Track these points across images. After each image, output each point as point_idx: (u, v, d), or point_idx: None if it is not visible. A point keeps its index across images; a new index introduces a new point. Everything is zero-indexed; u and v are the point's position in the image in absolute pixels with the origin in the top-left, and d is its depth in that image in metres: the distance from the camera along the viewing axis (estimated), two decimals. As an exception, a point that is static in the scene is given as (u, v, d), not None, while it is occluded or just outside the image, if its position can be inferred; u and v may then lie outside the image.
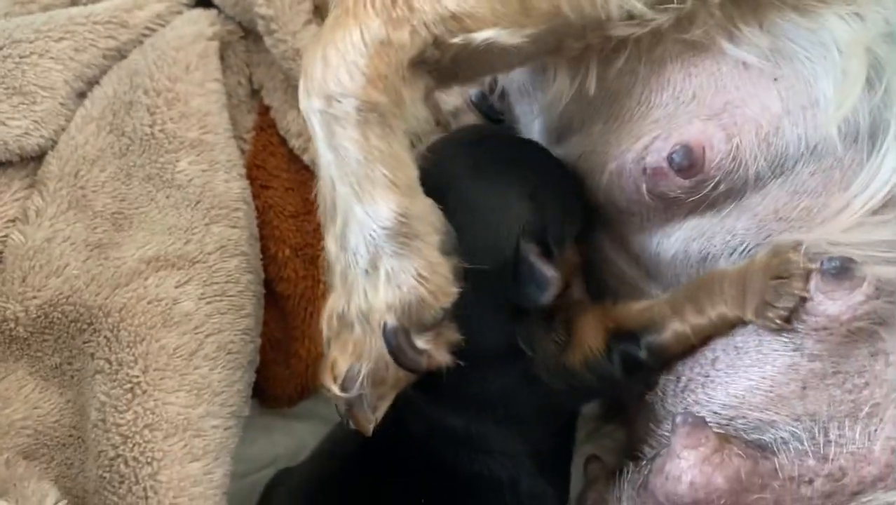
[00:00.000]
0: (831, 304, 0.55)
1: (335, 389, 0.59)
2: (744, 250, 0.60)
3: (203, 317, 0.68)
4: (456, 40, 0.56)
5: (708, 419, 0.58)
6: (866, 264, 0.55)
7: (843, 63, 0.57)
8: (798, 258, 0.56)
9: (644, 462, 0.61)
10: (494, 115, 0.75)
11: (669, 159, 0.59)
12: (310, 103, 0.57)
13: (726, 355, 0.59)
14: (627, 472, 0.63)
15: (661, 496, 0.57)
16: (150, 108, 0.74)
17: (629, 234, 0.66)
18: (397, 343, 0.57)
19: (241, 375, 0.70)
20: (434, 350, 0.57)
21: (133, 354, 0.65)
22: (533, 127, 0.74)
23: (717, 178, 0.59)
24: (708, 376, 0.60)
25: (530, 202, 0.62)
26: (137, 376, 0.65)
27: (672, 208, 0.62)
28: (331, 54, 0.56)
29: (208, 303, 0.69)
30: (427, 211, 0.57)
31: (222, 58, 0.80)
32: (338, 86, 0.56)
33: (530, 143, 0.70)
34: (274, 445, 0.80)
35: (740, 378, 0.58)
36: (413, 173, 0.57)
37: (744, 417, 0.58)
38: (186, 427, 0.65)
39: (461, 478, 0.65)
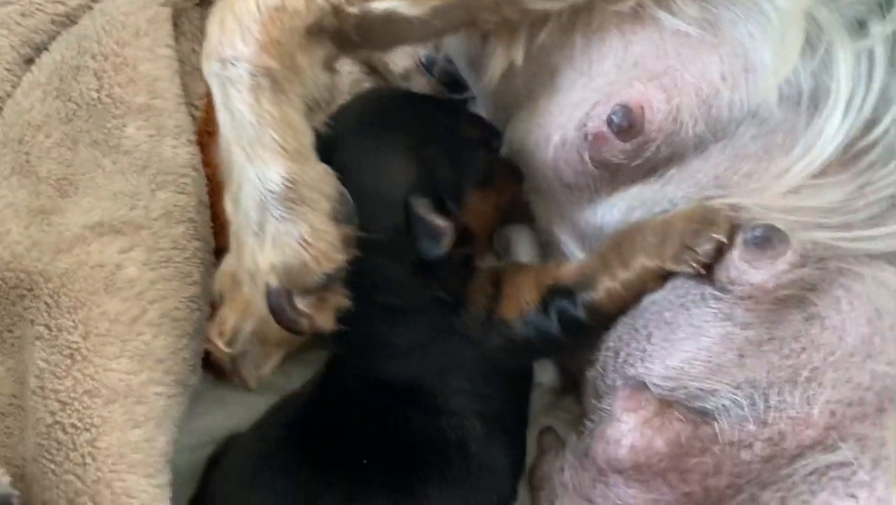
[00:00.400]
0: (755, 272, 0.55)
1: (220, 344, 0.61)
2: None
3: (147, 283, 0.67)
4: (353, 10, 0.56)
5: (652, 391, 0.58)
6: (796, 230, 0.55)
7: (782, 28, 0.57)
8: (723, 207, 0.56)
9: (587, 431, 0.60)
10: (447, 79, 0.74)
11: (609, 121, 0.58)
12: (208, 65, 0.58)
13: (659, 330, 0.59)
14: (572, 441, 0.62)
15: (601, 462, 0.57)
16: (97, 72, 0.73)
17: (577, 212, 0.66)
18: (279, 304, 0.57)
19: (188, 342, 0.68)
20: (316, 313, 0.58)
21: (73, 320, 0.64)
22: (482, 101, 0.74)
23: (657, 141, 0.58)
24: (645, 351, 0.59)
25: (415, 157, 0.62)
26: (77, 342, 0.64)
27: (617, 177, 0.62)
28: (228, 18, 0.57)
29: (153, 269, 0.67)
30: (318, 177, 0.57)
31: (176, 24, 0.79)
32: (232, 50, 0.56)
33: (419, 98, 0.71)
34: (228, 418, 0.78)
35: (676, 351, 0.58)
36: (306, 139, 0.57)
37: (685, 388, 0.57)
38: (127, 394, 0.64)
39: (409, 443, 0.64)
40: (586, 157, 0.61)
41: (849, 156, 0.56)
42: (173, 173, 0.71)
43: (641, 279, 0.60)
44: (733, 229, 0.55)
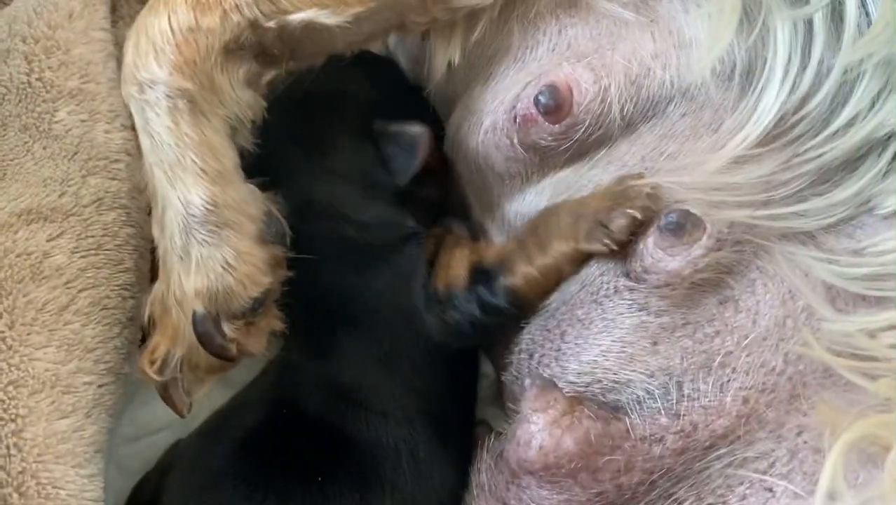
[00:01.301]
0: (671, 260, 0.54)
1: (151, 373, 0.60)
2: None
3: (76, 271, 0.66)
4: (271, 24, 0.56)
5: (565, 389, 0.57)
6: (713, 212, 0.54)
7: (718, 3, 0.56)
8: (640, 184, 0.56)
9: (504, 433, 0.60)
10: None
11: (536, 101, 0.58)
12: (126, 89, 0.58)
13: (572, 328, 0.59)
14: (489, 441, 0.62)
15: (513, 463, 0.56)
16: (27, 55, 0.71)
17: (507, 203, 0.65)
18: (206, 330, 0.58)
19: (120, 330, 0.67)
20: (245, 339, 0.58)
21: (-2, 309, 0.63)
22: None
23: (586, 123, 0.58)
24: (559, 350, 0.59)
25: (371, 95, 0.65)
26: (2, 331, 0.62)
27: (546, 162, 0.61)
28: (142, 41, 0.57)
29: (82, 257, 0.66)
30: (241, 199, 0.57)
31: (114, 8, 0.77)
32: (148, 73, 0.57)
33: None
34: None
35: (590, 346, 0.58)
36: (228, 161, 0.57)
37: (599, 382, 0.57)
38: (55, 383, 0.63)
39: (360, 452, 0.64)
40: (515, 141, 0.60)
41: (779, 130, 0.55)
42: (105, 158, 0.69)
43: (558, 263, 0.59)
44: (648, 207, 0.55)
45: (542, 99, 0.57)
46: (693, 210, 0.54)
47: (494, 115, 0.61)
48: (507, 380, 0.64)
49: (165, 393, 0.62)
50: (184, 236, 0.58)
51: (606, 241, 0.56)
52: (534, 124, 0.59)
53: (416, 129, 0.63)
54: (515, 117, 0.60)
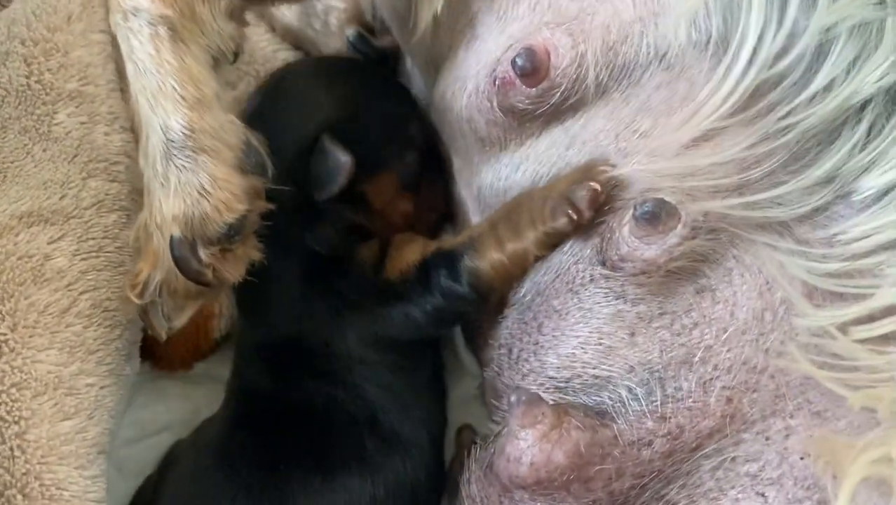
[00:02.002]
0: (647, 248, 0.54)
1: (131, 295, 0.61)
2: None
3: (77, 273, 0.66)
4: None
5: (545, 385, 0.58)
6: (687, 201, 0.54)
7: None
8: (605, 166, 0.56)
9: (490, 439, 0.59)
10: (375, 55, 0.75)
11: (513, 63, 0.58)
12: (113, 18, 0.59)
13: (549, 319, 0.59)
14: (476, 450, 0.61)
15: (504, 478, 0.56)
16: (26, 58, 0.71)
17: (486, 171, 0.65)
18: (182, 254, 0.58)
19: (120, 332, 0.68)
20: (221, 265, 0.59)
21: (0, 312, 0.63)
22: (415, 63, 0.74)
23: (563, 87, 0.57)
24: (537, 343, 0.59)
25: (347, 106, 0.64)
26: (5, 334, 0.63)
27: (524, 127, 0.61)
28: None
29: (83, 259, 0.67)
30: (219, 126, 0.58)
31: (112, 9, 0.77)
32: (133, 1, 0.58)
33: (386, 76, 0.73)
34: (169, 411, 0.78)
35: (568, 338, 0.58)
36: (208, 88, 0.58)
37: (579, 377, 0.57)
38: (57, 385, 0.63)
39: (321, 431, 0.64)
40: (495, 104, 0.60)
41: (754, 97, 0.55)
42: (105, 161, 0.70)
43: (527, 249, 0.59)
44: (609, 181, 0.56)
45: (518, 61, 0.57)
46: (668, 199, 0.54)
47: (477, 78, 0.62)
48: (488, 376, 0.64)
49: (145, 316, 0.63)
50: (164, 162, 0.58)
51: (569, 211, 0.56)
52: (512, 87, 0.59)
53: (342, 157, 0.62)
54: (495, 80, 0.60)
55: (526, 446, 0.54)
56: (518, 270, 0.60)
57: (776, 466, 0.52)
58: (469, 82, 0.62)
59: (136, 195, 0.72)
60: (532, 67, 0.57)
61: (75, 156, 0.69)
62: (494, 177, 0.64)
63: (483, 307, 0.63)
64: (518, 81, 0.58)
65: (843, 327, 0.52)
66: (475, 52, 0.62)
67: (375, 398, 0.64)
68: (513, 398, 0.57)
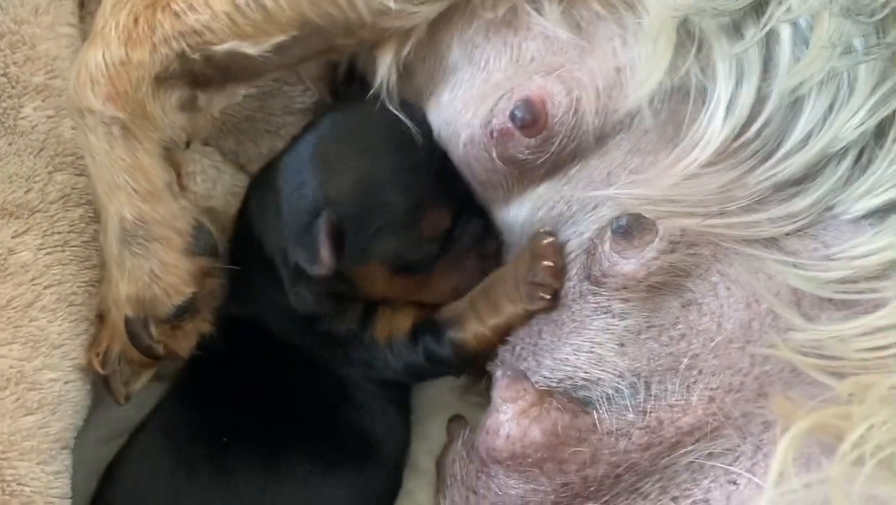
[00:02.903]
0: (625, 263, 0.56)
1: (95, 365, 0.66)
2: (575, 221, 0.61)
3: (42, 267, 0.66)
4: (196, 56, 0.61)
5: (538, 382, 0.58)
6: (665, 218, 0.55)
7: (655, 32, 0.57)
8: (546, 237, 0.60)
9: (478, 425, 0.60)
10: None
11: (512, 116, 0.59)
12: (70, 113, 0.63)
13: (548, 327, 0.61)
14: (464, 434, 0.63)
15: (482, 452, 0.57)
16: (-8, 51, 0.71)
17: (494, 209, 0.67)
18: (135, 332, 0.64)
19: (86, 327, 0.67)
20: (171, 341, 0.65)
21: (-38, 306, 0.63)
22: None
23: (561, 135, 0.59)
24: (536, 346, 0.61)
25: (361, 182, 0.63)
26: (-34, 329, 0.62)
27: (526, 175, 0.62)
28: (82, 72, 0.62)
29: (48, 253, 0.66)
30: (170, 215, 0.63)
31: (82, 4, 0.76)
32: (86, 101, 0.62)
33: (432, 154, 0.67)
34: (139, 410, 0.76)
35: (563, 345, 0.59)
36: (159, 180, 0.63)
37: (571, 379, 0.58)
38: (19, 380, 0.63)
39: (266, 404, 0.66)
40: (494, 154, 0.61)
41: (730, 152, 0.56)
42: (72, 155, 0.69)
43: (509, 322, 0.63)
44: (559, 254, 0.59)
45: (518, 114, 0.59)
46: (644, 215, 0.55)
47: (471, 128, 0.63)
48: (490, 368, 0.65)
49: (106, 383, 0.67)
50: (119, 246, 0.63)
51: (542, 294, 0.60)
52: (511, 139, 0.60)
53: (324, 255, 0.62)
54: (492, 132, 0.61)
55: (505, 419, 0.55)
56: (499, 339, 0.63)
57: (750, 457, 0.52)
58: (462, 131, 0.63)
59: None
60: (531, 119, 0.58)
61: (41, 150, 0.68)
62: (504, 213, 0.65)
63: (466, 370, 0.67)
64: (517, 133, 0.59)
65: (844, 340, 0.53)
66: (461, 100, 0.63)
67: (358, 400, 0.66)
68: (498, 373, 0.58)
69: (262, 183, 0.68)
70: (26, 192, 0.67)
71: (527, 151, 0.60)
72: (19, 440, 0.61)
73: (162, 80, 0.62)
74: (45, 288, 0.65)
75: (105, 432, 0.73)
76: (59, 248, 0.67)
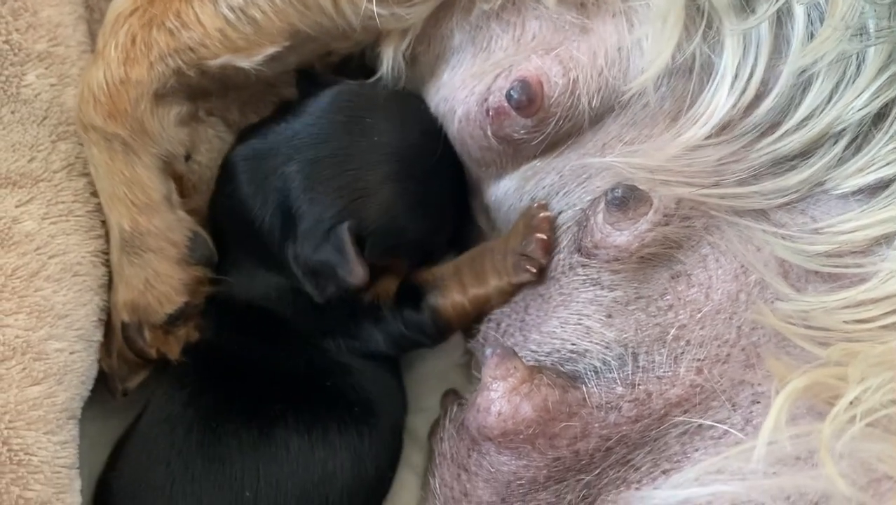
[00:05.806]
0: (618, 234, 0.56)
1: (104, 365, 0.69)
2: (567, 192, 0.61)
3: (46, 237, 0.65)
4: (191, 72, 0.63)
5: (526, 357, 0.59)
6: (658, 187, 0.55)
7: (664, 10, 0.56)
8: (542, 210, 0.60)
9: (466, 403, 0.61)
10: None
11: (508, 96, 0.59)
12: (76, 128, 0.66)
13: (535, 302, 0.61)
14: (452, 410, 0.63)
15: (473, 430, 0.57)
16: (-7, 18, 0.70)
17: (484, 186, 0.67)
18: (129, 335, 0.67)
19: (91, 297, 0.67)
20: (163, 345, 0.68)
21: (-33, 276, 0.62)
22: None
23: (557, 115, 0.59)
24: (523, 321, 0.61)
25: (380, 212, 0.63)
26: (-28, 298, 0.62)
27: (520, 153, 0.62)
28: (84, 91, 0.65)
29: (53, 223, 0.66)
30: (166, 227, 0.66)
31: (85, -31, 0.75)
32: (88, 118, 0.65)
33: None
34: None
35: (551, 318, 0.59)
36: (156, 193, 0.66)
37: (558, 351, 0.58)
38: (25, 350, 0.63)
39: (257, 389, 0.66)
40: (489, 132, 0.61)
41: (732, 127, 0.56)
42: (76, 124, 0.68)
43: (489, 295, 0.63)
44: (553, 228, 0.60)
45: (514, 94, 0.58)
46: (639, 186, 0.55)
47: (467, 105, 0.62)
48: (473, 347, 0.65)
49: (109, 377, 0.70)
50: (118, 254, 0.67)
51: (528, 267, 0.61)
52: (507, 118, 0.60)
53: (359, 270, 0.62)
54: (488, 110, 0.60)
55: (496, 397, 0.55)
56: (476, 313, 0.64)
57: (740, 429, 0.52)
58: (458, 107, 0.63)
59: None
60: (527, 99, 0.58)
61: (45, 118, 0.68)
62: (496, 190, 0.65)
63: (440, 341, 0.67)
64: (513, 113, 0.59)
65: (829, 312, 0.53)
66: (460, 76, 0.64)
67: (350, 366, 0.66)
68: (488, 351, 0.58)
69: (257, 156, 0.66)
70: (30, 161, 0.67)
71: (522, 131, 0.60)
72: (26, 410, 0.61)
73: (161, 97, 0.64)
74: (50, 258, 0.65)
75: (110, 404, 0.72)
76: (63, 218, 0.66)
